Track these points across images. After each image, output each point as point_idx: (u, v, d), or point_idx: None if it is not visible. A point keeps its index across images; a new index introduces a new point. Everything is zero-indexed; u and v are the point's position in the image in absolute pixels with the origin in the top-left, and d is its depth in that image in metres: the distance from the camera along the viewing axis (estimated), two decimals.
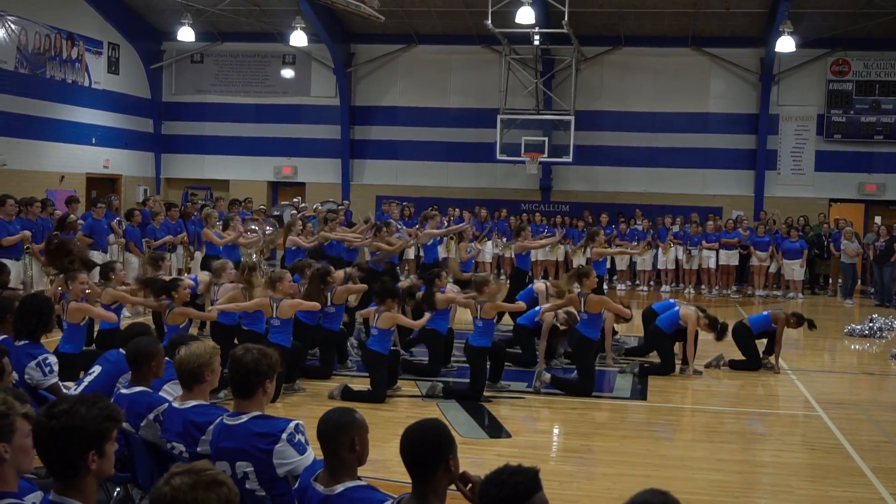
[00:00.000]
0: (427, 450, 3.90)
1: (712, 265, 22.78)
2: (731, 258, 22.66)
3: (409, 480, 3.94)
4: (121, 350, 6.76)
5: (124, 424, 5.20)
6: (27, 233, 14.97)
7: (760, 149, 25.22)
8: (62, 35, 23.36)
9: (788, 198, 25.17)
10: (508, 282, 17.48)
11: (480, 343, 10.94)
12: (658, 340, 12.79)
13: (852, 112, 24.75)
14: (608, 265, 19.81)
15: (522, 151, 23.60)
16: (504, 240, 23.84)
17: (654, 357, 13.12)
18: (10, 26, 21.35)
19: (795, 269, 22.29)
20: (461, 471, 3.99)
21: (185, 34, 24.06)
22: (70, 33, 23.69)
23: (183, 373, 5.34)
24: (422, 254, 18.86)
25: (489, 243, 23.85)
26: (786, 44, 22.18)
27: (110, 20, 25.46)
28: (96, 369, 6.97)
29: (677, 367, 12.61)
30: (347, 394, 10.54)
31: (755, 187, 25.42)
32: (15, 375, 6.26)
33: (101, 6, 24.88)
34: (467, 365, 11.18)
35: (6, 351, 5.64)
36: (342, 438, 4.12)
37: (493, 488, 3.41)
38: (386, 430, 9.12)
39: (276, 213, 24.13)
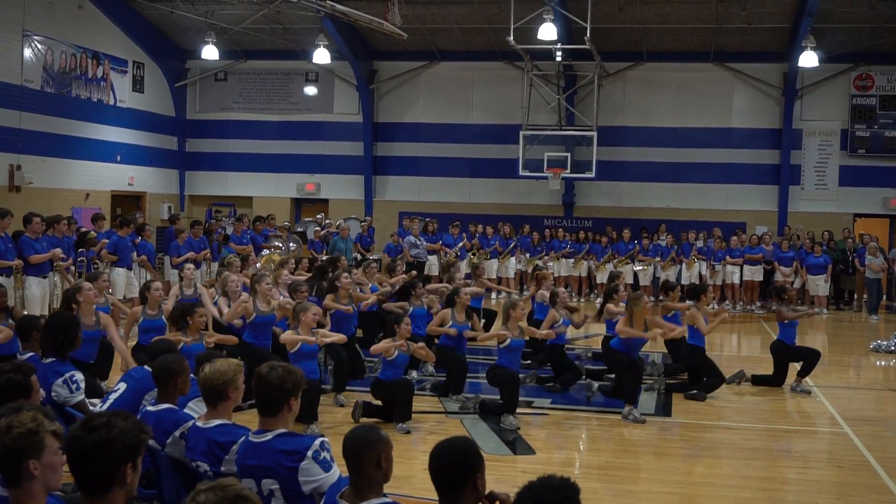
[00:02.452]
0: (456, 467, 3.91)
1: (736, 280, 22.71)
2: (755, 274, 22.56)
3: (435, 497, 3.95)
4: (146, 367, 6.81)
5: (151, 441, 5.23)
6: (58, 251, 14.99)
7: (784, 164, 25.11)
8: (88, 54, 23.58)
9: (812, 213, 25.04)
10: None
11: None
12: (692, 358, 12.71)
13: (876, 127, 24.62)
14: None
15: (545, 167, 23.58)
16: (527, 255, 23.88)
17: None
18: (36, 46, 21.58)
19: (820, 285, 22.16)
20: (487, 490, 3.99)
21: (209, 52, 24.27)
22: (95, 52, 23.91)
23: (207, 390, 5.36)
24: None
25: (512, 259, 23.87)
26: (809, 59, 22.12)
27: (135, 39, 25.68)
28: (121, 386, 6.98)
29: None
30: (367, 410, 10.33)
31: (779, 202, 25.30)
32: (42, 393, 6.30)
33: (126, 25, 25.10)
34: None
35: (34, 369, 5.67)
36: (368, 455, 4.13)
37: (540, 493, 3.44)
38: (411, 446, 9.14)
39: (299, 229, 24.24)
